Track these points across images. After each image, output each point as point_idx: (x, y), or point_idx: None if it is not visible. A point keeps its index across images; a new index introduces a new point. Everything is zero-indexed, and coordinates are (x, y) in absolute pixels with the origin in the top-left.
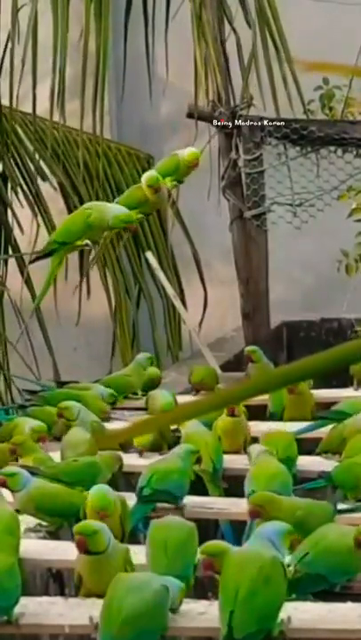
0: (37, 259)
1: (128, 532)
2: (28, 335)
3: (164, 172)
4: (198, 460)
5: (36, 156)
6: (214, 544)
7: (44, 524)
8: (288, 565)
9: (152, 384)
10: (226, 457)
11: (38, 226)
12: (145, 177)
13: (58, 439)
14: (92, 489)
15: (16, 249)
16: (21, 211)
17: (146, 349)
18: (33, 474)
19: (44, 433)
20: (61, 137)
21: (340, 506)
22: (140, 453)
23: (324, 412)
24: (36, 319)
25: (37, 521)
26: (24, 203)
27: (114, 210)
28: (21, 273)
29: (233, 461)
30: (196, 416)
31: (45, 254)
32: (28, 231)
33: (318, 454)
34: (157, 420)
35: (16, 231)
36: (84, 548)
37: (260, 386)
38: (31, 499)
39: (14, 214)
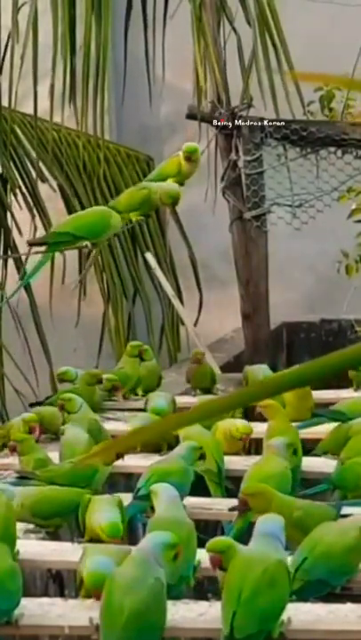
0: (35, 244)
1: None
2: (23, 337)
3: (167, 174)
4: (202, 457)
5: (35, 157)
6: (220, 540)
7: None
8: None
9: (151, 381)
10: (226, 458)
11: (35, 228)
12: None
13: (57, 438)
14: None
15: (15, 251)
16: (20, 213)
17: None
18: (29, 478)
19: (35, 423)
20: (61, 138)
21: (345, 509)
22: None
23: (322, 410)
24: (35, 322)
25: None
26: (23, 205)
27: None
28: (20, 274)
29: (233, 462)
30: (196, 422)
31: (43, 243)
32: (26, 233)
33: (318, 455)
34: (157, 427)
35: (14, 232)
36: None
37: (261, 391)
38: (25, 507)
39: (13, 216)
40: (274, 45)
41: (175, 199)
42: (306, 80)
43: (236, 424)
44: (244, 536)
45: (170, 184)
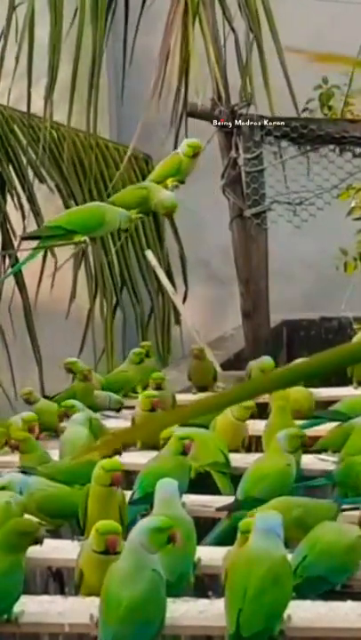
0: (28, 238)
1: (126, 524)
2: (4, 338)
3: (167, 172)
4: (185, 452)
5: (33, 157)
6: None
7: (43, 522)
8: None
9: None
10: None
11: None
12: (186, 142)
13: (57, 436)
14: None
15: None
16: (16, 213)
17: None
18: (30, 473)
19: (35, 422)
20: (59, 136)
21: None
22: None
23: (322, 411)
24: (33, 321)
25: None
26: (18, 206)
27: (121, 212)
28: (16, 277)
29: (233, 459)
30: (196, 416)
31: (36, 237)
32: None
33: (318, 451)
34: (157, 421)
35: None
36: (115, 548)
37: (261, 387)
38: (33, 500)
39: (7, 218)
40: (258, 41)
41: (169, 211)
42: (313, 61)
43: (239, 404)
44: (230, 536)
45: (167, 193)
